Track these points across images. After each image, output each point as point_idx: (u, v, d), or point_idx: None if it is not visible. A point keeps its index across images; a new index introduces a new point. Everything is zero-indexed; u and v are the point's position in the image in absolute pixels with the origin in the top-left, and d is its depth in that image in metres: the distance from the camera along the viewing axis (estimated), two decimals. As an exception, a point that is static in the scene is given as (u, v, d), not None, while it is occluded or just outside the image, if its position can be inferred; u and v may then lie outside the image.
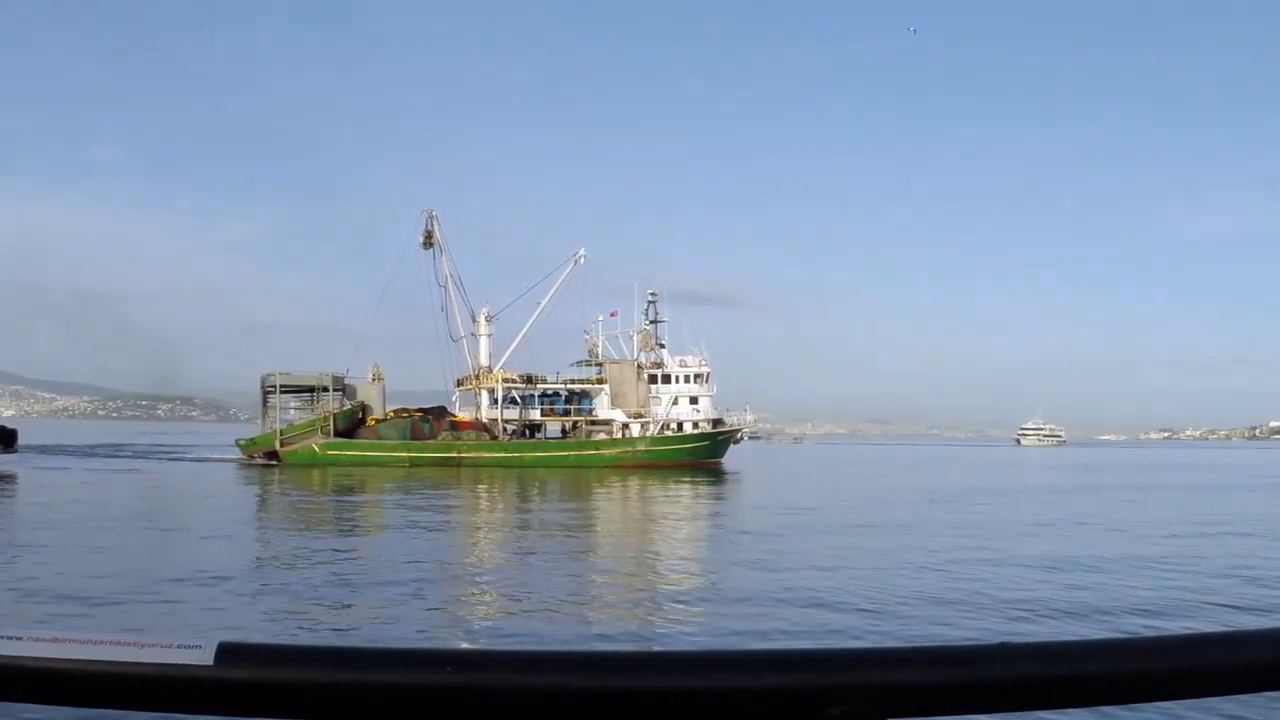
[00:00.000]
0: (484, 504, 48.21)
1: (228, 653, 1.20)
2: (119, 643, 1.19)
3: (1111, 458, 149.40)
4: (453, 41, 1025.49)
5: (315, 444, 73.21)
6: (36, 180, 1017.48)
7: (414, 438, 75.47)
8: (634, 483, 62.80)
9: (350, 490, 52.49)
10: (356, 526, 36.89)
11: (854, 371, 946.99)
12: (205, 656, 1.19)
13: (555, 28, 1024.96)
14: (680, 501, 51.50)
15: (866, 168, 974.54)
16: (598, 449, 79.91)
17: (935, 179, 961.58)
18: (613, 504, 50.10)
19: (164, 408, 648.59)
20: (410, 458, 72.84)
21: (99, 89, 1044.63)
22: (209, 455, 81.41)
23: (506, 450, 77.97)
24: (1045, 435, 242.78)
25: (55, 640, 1.19)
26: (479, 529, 37.23)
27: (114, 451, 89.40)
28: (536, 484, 60.14)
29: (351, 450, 73.27)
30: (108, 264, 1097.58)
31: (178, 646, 1.20)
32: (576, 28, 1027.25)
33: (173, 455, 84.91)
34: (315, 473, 65.36)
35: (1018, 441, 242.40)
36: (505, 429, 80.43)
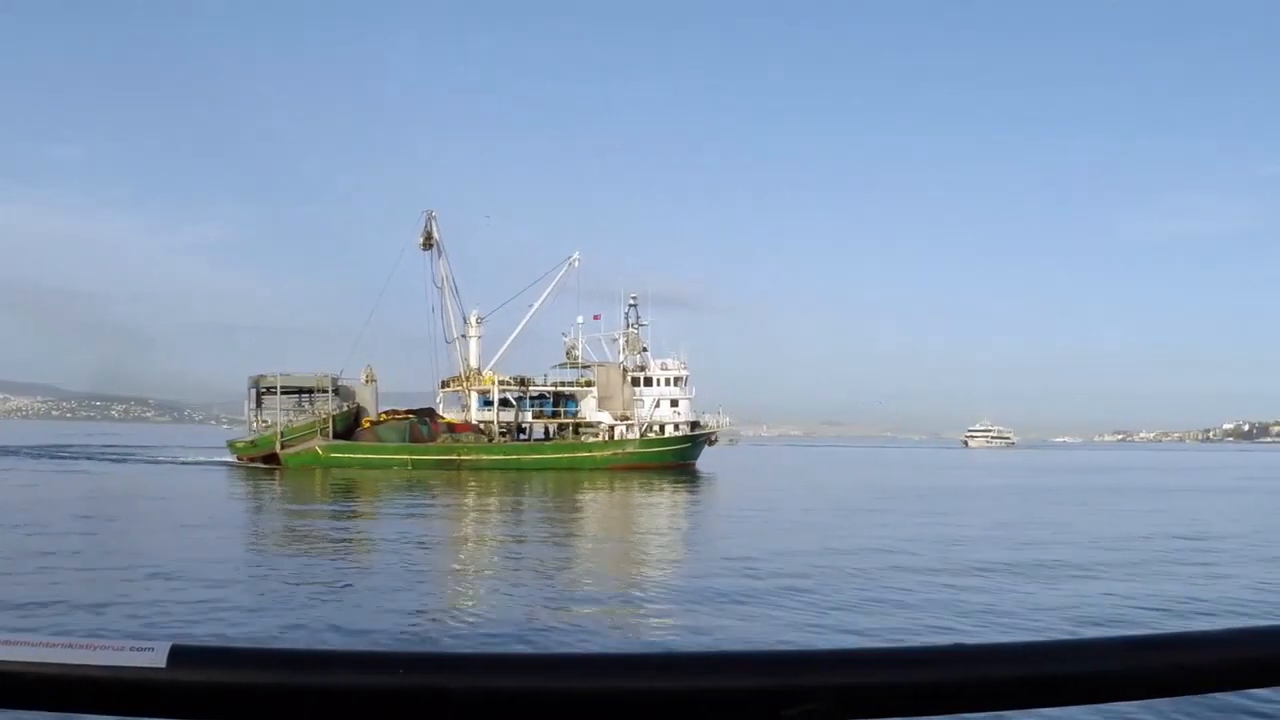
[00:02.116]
0: (511, 507, 49.04)
1: (180, 655, 1.19)
2: (70, 645, 1.18)
3: (1054, 459, 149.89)
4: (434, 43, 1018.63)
5: (318, 446, 72.62)
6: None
7: (413, 440, 75.58)
8: (630, 484, 63.84)
9: (374, 495, 52.56)
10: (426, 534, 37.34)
11: (810, 374, 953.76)
12: (158, 659, 1.18)
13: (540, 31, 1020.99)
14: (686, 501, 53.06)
15: (822, 173, 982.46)
16: (590, 451, 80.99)
17: (892, 186, 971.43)
18: (635, 506, 51.39)
19: (118, 408, 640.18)
20: (412, 460, 73.10)
21: (62, 86, 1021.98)
22: (196, 458, 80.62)
23: (505, 452, 78.56)
24: (993, 437, 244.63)
25: (5, 643, 1.18)
26: (523, 532, 38.28)
27: (98, 454, 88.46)
28: (541, 486, 61.01)
29: (355, 453, 73.25)
30: (64, 264, 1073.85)
31: (130, 649, 1.18)
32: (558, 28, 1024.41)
33: (149, 459, 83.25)
34: (318, 474, 65.30)
35: (965, 443, 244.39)
36: (507, 432, 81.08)
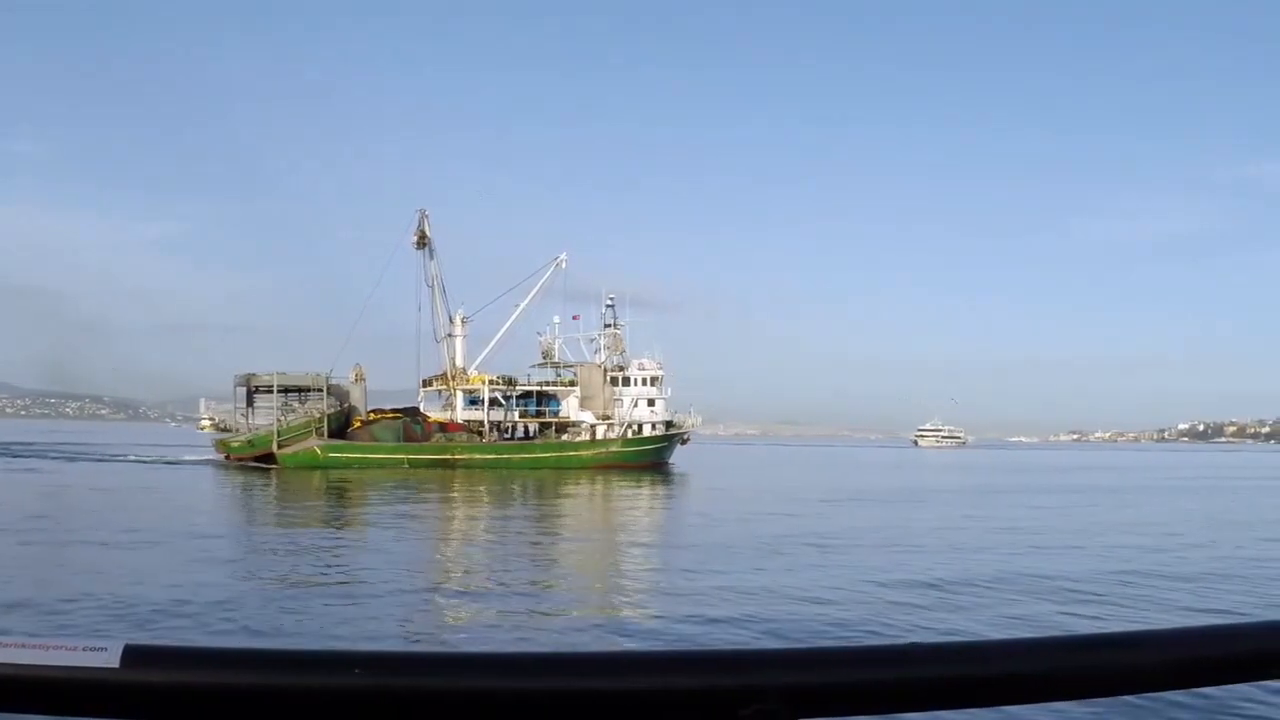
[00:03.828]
0: (523, 505, 50.56)
1: (133, 655, 1.18)
2: (22, 645, 1.17)
3: (1000, 459, 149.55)
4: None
5: (316, 446, 72.72)
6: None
7: (407, 439, 76.32)
8: (618, 482, 65.56)
9: (388, 494, 53.17)
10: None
11: (768, 373, 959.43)
12: (111, 659, 1.17)
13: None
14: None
15: (781, 174, 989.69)
16: (577, 450, 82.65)
17: (851, 188, 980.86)
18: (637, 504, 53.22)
19: (72, 406, 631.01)
20: (409, 459, 73.80)
21: (21, 81, 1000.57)
22: (183, 457, 79.84)
23: (497, 452, 79.82)
24: (944, 437, 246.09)
25: None
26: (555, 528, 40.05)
27: (70, 453, 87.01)
28: (539, 485, 62.37)
29: (353, 453, 73.63)
30: (18, 259, 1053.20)
31: (83, 649, 1.17)
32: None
33: (127, 458, 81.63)
34: (318, 474, 65.54)
35: (915, 443, 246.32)
36: (492, 430, 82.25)
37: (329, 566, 25.41)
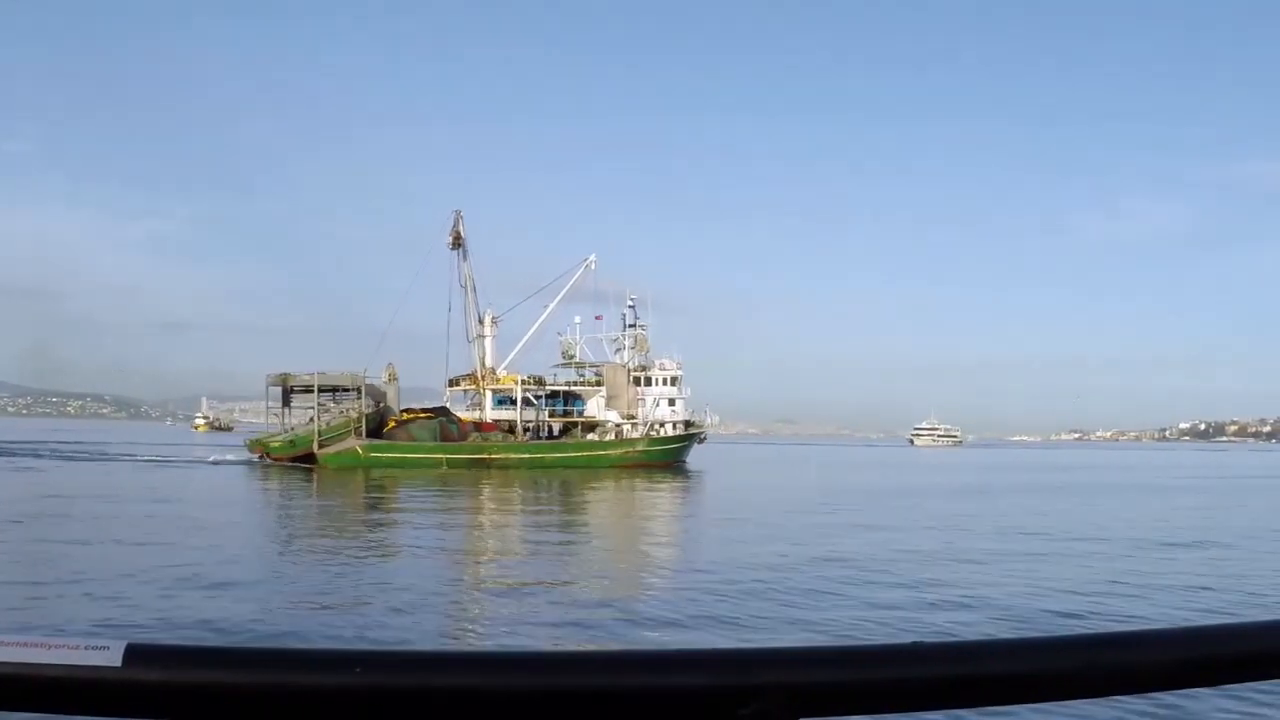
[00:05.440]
0: (568, 503, 51.57)
1: (136, 654, 1.18)
2: (24, 644, 1.17)
3: (990, 458, 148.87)
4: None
5: (358, 446, 73.13)
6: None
7: (443, 439, 76.82)
8: (644, 480, 66.97)
9: (448, 494, 54.06)
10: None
11: (768, 372, 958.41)
12: (113, 658, 1.17)
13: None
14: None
15: (780, 173, 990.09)
16: (605, 450, 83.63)
17: (851, 188, 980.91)
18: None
19: (74, 404, 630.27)
20: (447, 459, 74.29)
21: (10, 79, 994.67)
22: (221, 456, 79.74)
23: (530, 451, 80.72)
24: (940, 435, 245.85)
25: None
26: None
27: (90, 453, 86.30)
28: (575, 483, 63.32)
29: (393, 452, 74.06)
30: (10, 258, 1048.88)
31: (85, 648, 1.17)
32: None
33: (162, 459, 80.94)
34: (361, 474, 66.12)
35: (911, 442, 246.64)
36: (526, 430, 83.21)
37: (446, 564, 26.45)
